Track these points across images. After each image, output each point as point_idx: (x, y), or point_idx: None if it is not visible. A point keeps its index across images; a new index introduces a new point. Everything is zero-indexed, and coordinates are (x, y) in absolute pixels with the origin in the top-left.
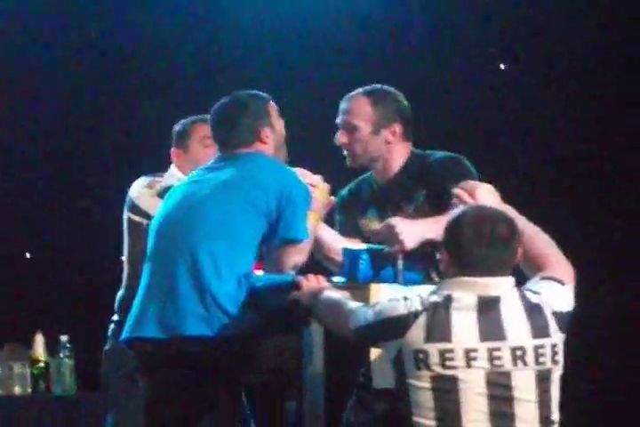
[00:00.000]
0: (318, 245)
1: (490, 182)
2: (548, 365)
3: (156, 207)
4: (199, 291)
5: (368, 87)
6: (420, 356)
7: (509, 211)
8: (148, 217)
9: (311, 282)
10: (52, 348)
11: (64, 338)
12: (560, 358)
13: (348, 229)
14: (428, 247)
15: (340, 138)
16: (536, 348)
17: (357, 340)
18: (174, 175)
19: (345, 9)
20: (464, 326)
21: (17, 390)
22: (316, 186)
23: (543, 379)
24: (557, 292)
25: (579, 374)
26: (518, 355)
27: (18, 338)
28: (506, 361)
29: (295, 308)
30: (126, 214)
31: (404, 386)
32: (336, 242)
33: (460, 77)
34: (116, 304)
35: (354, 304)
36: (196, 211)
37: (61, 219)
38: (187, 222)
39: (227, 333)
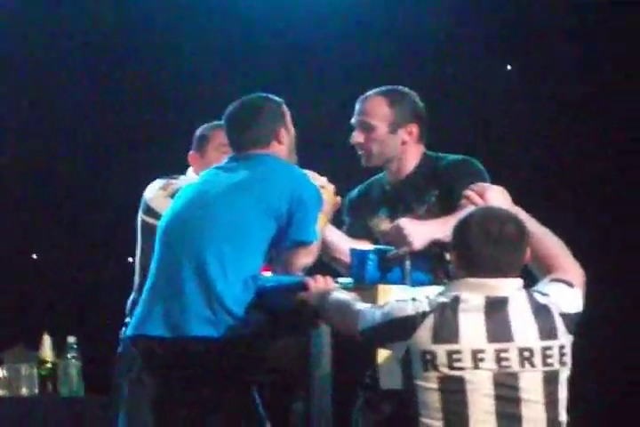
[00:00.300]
0: (325, 246)
1: (501, 185)
2: (556, 366)
3: None
4: (205, 292)
5: (384, 88)
6: (428, 357)
7: (520, 213)
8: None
9: (319, 283)
10: (60, 349)
11: (71, 339)
12: (568, 359)
13: (357, 231)
14: (436, 248)
15: (357, 138)
16: (544, 349)
17: (365, 341)
18: (191, 178)
19: (347, 10)
20: (472, 327)
21: (24, 391)
22: (324, 187)
23: (550, 380)
24: (566, 294)
25: (583, 375)
26: (526, 356)
27: (25, 339)
28: (513, 362)
29: (303, 309)
30: (140, 216)
31: (412, 387)
32: (343, 243)
33: (465, 78)
34: (128, 307)
35: (362, 305)
36: (207, 211)
37: (68, 219)
38: (196, 222)
39: (232, 334)
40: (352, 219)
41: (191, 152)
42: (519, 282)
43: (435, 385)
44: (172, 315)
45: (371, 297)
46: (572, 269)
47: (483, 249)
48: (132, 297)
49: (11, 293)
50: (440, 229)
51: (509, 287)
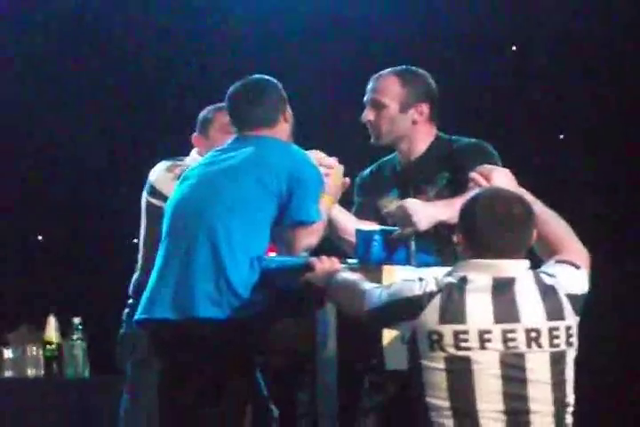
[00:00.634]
0: (332, 226)
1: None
2: (563, 347)
3: None
4: (215, 273)
5: (397, 67)
6: (434, 337)
7: (525, 194)
8: (167, 201)
9: (324, 264)
10: (65, 330)
11: (77, 320)
12: (575, 340)
13: (367, 211)
14: (444, 230)
15: (367, 115)
16: (551, 330)
17: (371, 320)
18: (195, 159)
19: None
20: (479, 307)
21: (30, 372)
22: (333, 168)
23: (557, 361)
24: (572, 275)
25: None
26: (533, 337)
27: (30, 320)
28: (520, 343)
29: (308, 289)
30: (145, 198)
31: (418, 367)
32: (350, 223)
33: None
34: (131, 287)
35: (368, 285)
36: (212, 193)
37: (74, 201)
38: (202, 204)
39: (239, 315)
40: (362, 199)
41: (195, 134)
42: (526, 263)
43: (441, 365)
44: (180, 296)
45: (376, 278)
46: (578, 251)
47: (490, 230)
48: (135, 278)
49: (16, 274)
50: (446, 210)
51: (516, 268)
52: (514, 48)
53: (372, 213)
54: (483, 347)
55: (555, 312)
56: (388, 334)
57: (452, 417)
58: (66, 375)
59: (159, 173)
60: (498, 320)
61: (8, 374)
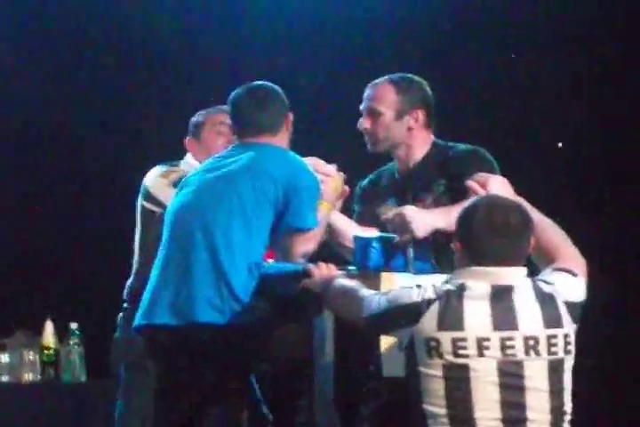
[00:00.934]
0: (332, 232)
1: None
2: (561, 355)
3: (170, 197)
4: (215, 279)
5: (393, 75)
6: (432, 344)
7: (522, 203)
8: (162, 206)
9: (322, 270)
10: (62, 335)
11: (74, 325)
12: (572, 348)
13: (367, 219)
14: (442, 238)
15: (364, 123)
16: (549, 338)
17: (369, 327)
18: (189, 163)
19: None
20: (477, 314)
21: (27, 377)
22: (331, 175)
23: (555, 369)
24: (570, 282)
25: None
26: (531, 344)
27: (28, 325)
28: (518, 350)
29: (306, 296)
30: (140, 203)
31: (415, 374)
32: (350, 229)
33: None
34: (126, 292)
35: (366, 292)
36: (211, 199)
37: (70, 207)
38: (202, 211)
39: (239, 321)
40: (362, 207)
41: (188, 138)
42: (524, 271)
43: (439, 372)
44: (180, 301)
45: (374, 285)
46: (575, 259)
47: (487, 239)
48: (129, 283)
49: (13, 279)
50: (444, 218)
51: (514, 276)
52: (513, 56)
53: (372, 221)
54: (481, 354)
55: (553, 320)
56: (386, 341)
57: (449, 425)
58: (63, 380)
59: (154, 179)
60: (496, 328)
61: (5, 379)
